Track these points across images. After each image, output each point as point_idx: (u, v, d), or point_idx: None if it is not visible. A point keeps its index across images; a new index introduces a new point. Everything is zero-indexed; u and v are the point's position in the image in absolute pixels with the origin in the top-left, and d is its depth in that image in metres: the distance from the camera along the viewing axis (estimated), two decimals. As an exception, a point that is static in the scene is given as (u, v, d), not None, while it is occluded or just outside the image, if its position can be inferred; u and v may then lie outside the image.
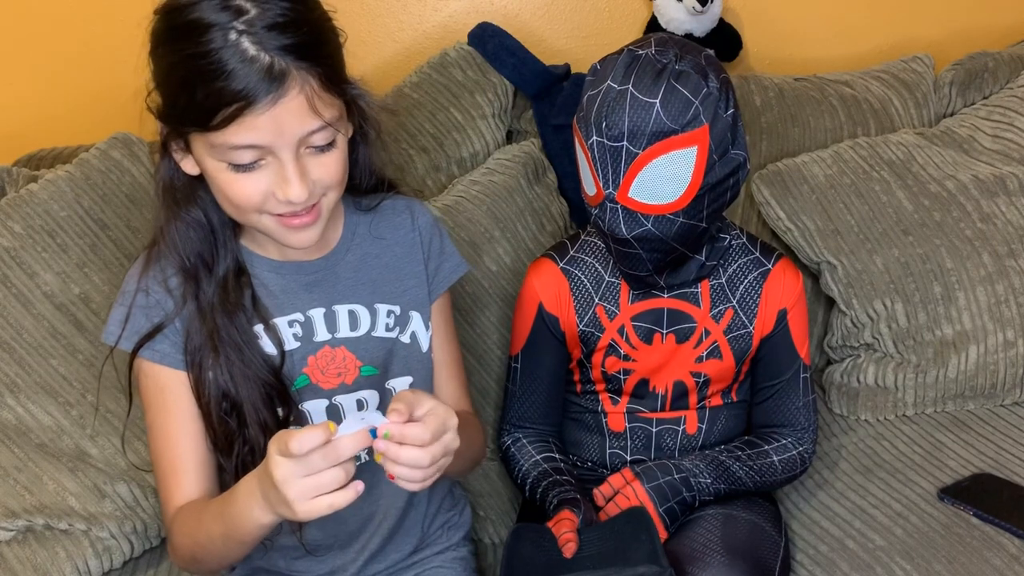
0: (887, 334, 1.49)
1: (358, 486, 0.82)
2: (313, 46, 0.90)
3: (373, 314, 1.08)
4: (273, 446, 0.82)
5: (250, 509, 0.88)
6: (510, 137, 1.66)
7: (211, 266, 1.01)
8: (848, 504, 1.30)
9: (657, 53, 1.06)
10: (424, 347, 1.12)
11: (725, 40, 1.77)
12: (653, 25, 1.75)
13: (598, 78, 1.08)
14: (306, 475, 0.80)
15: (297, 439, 0.79)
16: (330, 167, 0.95)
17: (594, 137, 1.07)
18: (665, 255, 1.12)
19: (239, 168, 0.91)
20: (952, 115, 1.72)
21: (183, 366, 1.01)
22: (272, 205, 0.93)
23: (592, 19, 1.80)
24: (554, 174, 1.60)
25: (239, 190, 0.92)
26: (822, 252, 1.52)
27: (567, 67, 1.65)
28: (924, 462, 1.38)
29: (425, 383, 1.13)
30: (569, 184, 1.60)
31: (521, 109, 1.66)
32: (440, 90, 1.59)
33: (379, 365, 1.08)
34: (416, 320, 1.11)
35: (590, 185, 1.11)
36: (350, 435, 0.81)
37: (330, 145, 0.94)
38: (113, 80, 1.64)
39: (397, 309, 1.10)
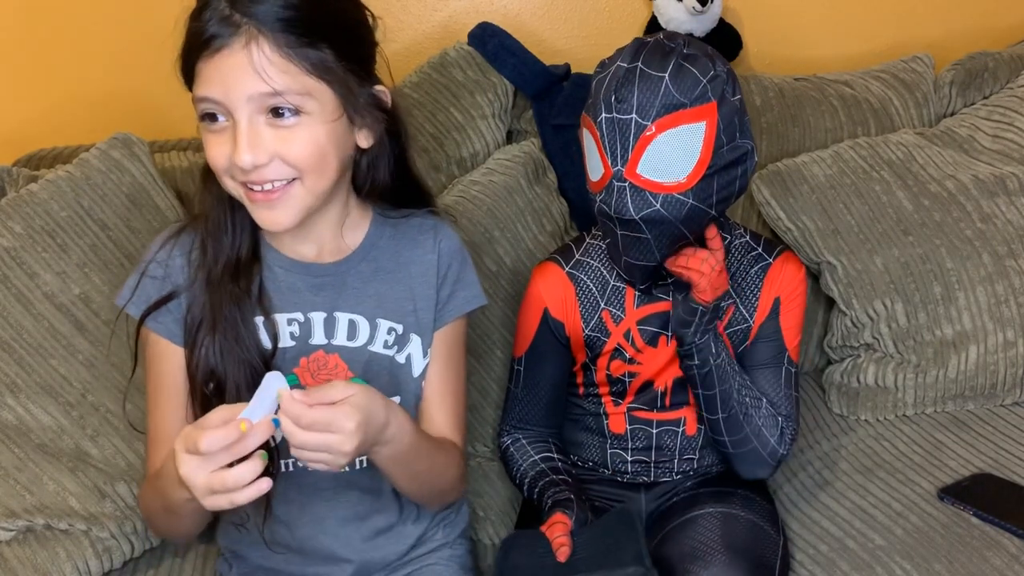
0: (887, 334, 1.49)
1: (262, 485, 0.82)
2: (284, 10, 0.90)
3: (373, 328, 1.07)
4: (180, 443, 0.83)
5: (173, 487, 0.89)
6: (510, 137, 1.66)
7: (228, 241, 1.02)
8: (848, 504, 1.30)
9: (666, 39, 1.07)
10: (415, 372, 1.10)
11: (725, 40, 1.77)
12: (653, 25, 1.76)
13: (608, 64, 1.09)
14: (211, 470, 0.81)
15: (207, 439, 0.80)
16: (293, 143, 0.93)
17: (603, 115, 1.06)
18: (674, 241, 1.10)
19: (208, 129, 0.93)
20: (952, 115, 1.72)
21: (181, 341, 1.02)
22: (235, 170, 0.93)
23: (592, 19, 1.80)
24: (554, 174, 1.60)
25: (209, 150, 0.94)
26: (822, 252, 1.52)
27: (567, 67, 1.65)
28: (924, 462, 1.38)
29: (413, 406, 1.11)
30: (569, 184, 1.60)
31: (521, 109, 1.66)
32: (440, 90, 1.59)
33: (370, 379, 1.07)
34: (415, 344, 1.09)
35: (596, 169, 1.10)
36: (254, 430, 0.81)
37: (294, 116, 0.92)
38: (114, 80, 1.65)
39: (399, 328, 1.08)
